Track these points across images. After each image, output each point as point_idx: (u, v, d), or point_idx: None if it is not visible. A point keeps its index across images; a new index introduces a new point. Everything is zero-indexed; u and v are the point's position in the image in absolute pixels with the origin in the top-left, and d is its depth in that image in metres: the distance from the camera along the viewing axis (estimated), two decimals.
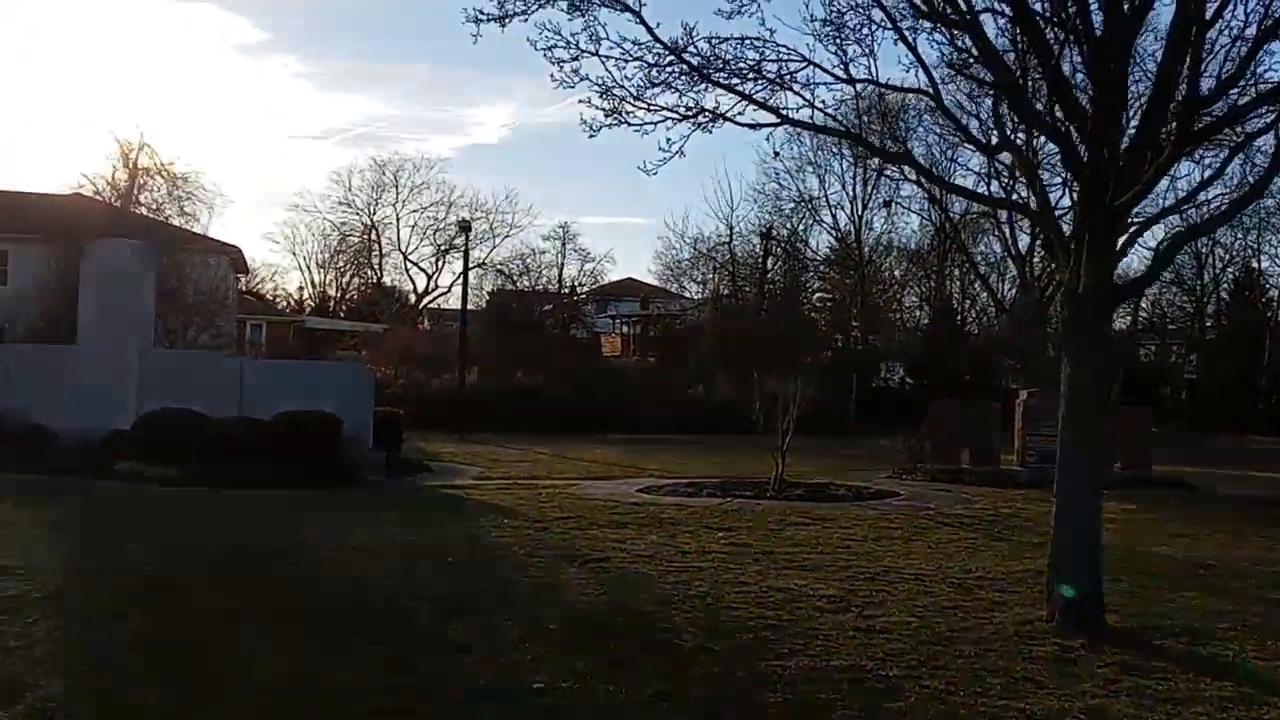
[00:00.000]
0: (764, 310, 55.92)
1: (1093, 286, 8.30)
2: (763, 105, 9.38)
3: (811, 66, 9.46)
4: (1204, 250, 51.07)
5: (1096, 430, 8.60)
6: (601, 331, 66.29)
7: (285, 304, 69.04)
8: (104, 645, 7.36)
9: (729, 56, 9.46)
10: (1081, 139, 8.17)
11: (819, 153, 53.85)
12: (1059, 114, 8.50)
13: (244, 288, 57.20)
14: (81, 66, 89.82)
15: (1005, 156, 21.40)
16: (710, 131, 10.02)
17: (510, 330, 48.28)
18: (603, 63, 9.67)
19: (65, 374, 20.68)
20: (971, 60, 8.92)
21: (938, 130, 48.82)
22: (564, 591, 9.33)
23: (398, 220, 71.10)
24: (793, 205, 55.37)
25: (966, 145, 46.20)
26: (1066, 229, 8.96)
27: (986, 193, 41.98)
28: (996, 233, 52.89)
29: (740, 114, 9.59)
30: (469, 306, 65.23)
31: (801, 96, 9.17)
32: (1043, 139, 10.92)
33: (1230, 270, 54.08)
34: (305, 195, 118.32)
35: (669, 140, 9.82)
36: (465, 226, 38.57)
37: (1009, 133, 10.90)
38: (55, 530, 12.17)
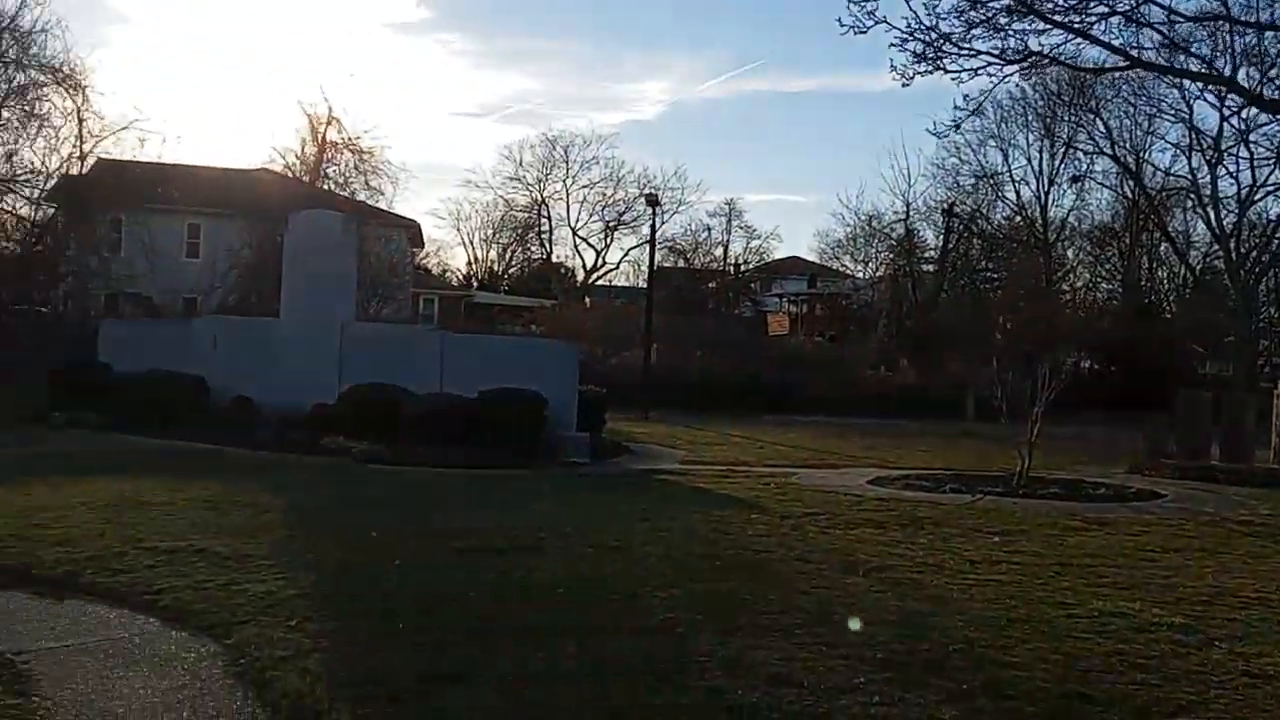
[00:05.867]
0: (945, 290, 53.73)
1: None
2: (1107, 45, 8.01)
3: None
4: None
5: None
6: (767, 310, 64.81)
7: (453, 279, 69.55)
8: None
9: None
10: None
11: (1003, 125, 51.35)
12: None
13: (415, 263, 57.66)
14: (259, 44, 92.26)
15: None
16: (1030, 77, 8.82)
17: (680, 308, 47.39)
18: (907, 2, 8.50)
19: (270, 347, 20.46)
20: None
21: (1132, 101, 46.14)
22: (860, 609, 8.14)
23: (567, 196, 70.96)
24: (974, 181, 52.98)
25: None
26: None
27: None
28: (1198, 210, 49.14)
29: (1075, 56, 8.29)
30: (636, 284, 65.12)
31: (1160, 32, 7.75)
32: None
33: None
34: (478, 171, 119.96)
35: (965, 97, 8.67)
36: (653, 200, 37.53)
37: None
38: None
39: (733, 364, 38.55)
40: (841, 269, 62.46)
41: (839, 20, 8.50)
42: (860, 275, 59.86)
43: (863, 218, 56.77)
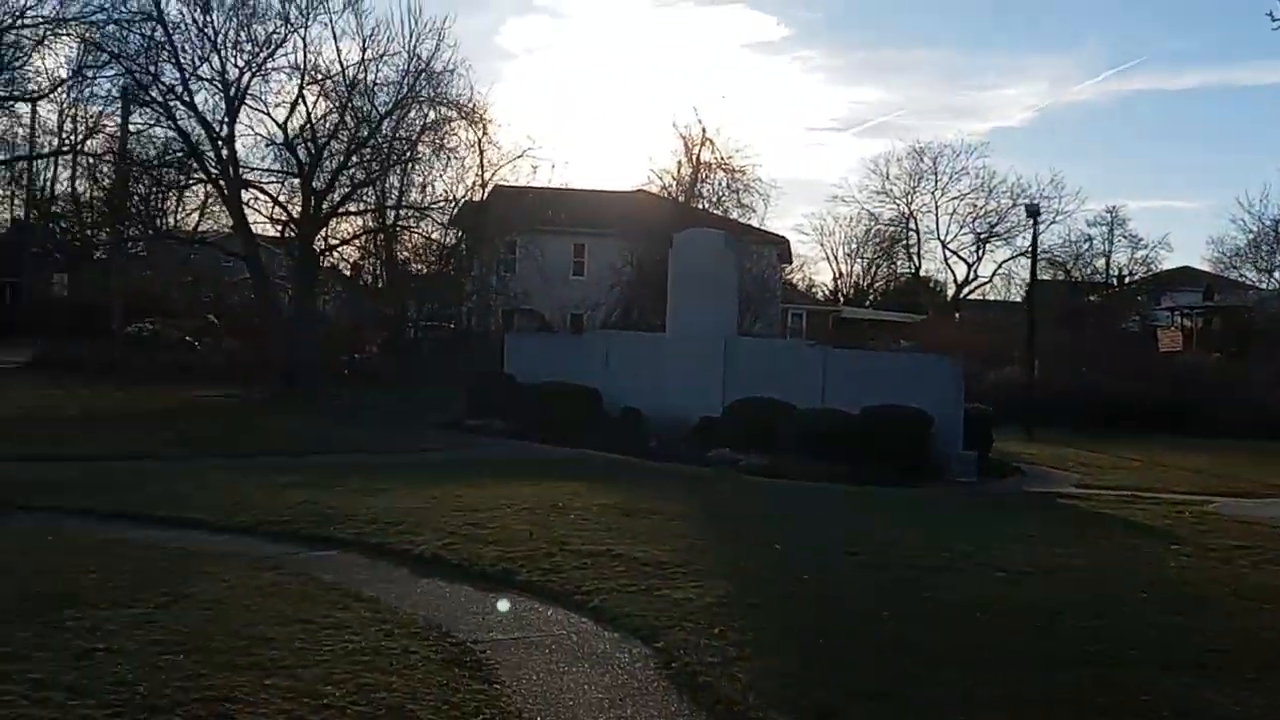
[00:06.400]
0: None
1: None
2: None
3: None
4: None
5: None
6: (1156, 324, 60.45)
7: (819, 293, 69.70)
8: None
9: None
10: None
11: None
12: None
13: (782, 278, 58.21)
14: (635, 71, 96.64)
15: None
16: None
17: (1061, 322, 45.13)
18: None
19: (657, 361, 21.29)
20: None
21: None
22: None
23: (936, 208, 69.39)
24: None
25: None
26: None
27: None
28: None
29: None
30: (1008, 298, 62.72)
31: None
32: None
33: None
34: (844, 185, 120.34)
35: None
36: (1033, 211, 35.94)
37: None
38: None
39: (1120, 382, 36.22)
40: (1242, 279, 57.33)
41: (1270, 15, 7.61)
42: (1265, 286, 54.79)
43: (1268, 223, 51.79)
